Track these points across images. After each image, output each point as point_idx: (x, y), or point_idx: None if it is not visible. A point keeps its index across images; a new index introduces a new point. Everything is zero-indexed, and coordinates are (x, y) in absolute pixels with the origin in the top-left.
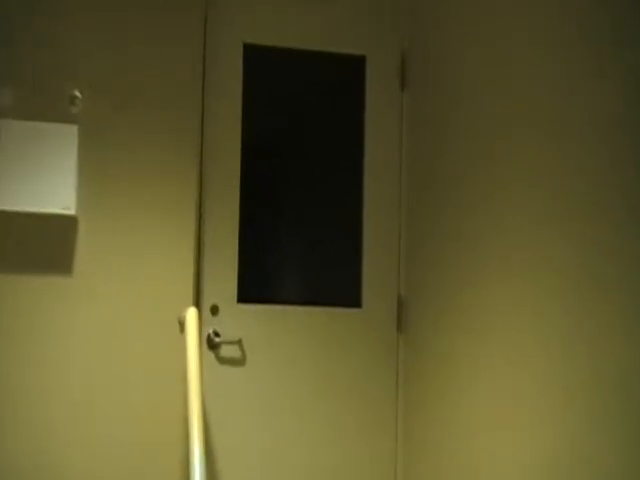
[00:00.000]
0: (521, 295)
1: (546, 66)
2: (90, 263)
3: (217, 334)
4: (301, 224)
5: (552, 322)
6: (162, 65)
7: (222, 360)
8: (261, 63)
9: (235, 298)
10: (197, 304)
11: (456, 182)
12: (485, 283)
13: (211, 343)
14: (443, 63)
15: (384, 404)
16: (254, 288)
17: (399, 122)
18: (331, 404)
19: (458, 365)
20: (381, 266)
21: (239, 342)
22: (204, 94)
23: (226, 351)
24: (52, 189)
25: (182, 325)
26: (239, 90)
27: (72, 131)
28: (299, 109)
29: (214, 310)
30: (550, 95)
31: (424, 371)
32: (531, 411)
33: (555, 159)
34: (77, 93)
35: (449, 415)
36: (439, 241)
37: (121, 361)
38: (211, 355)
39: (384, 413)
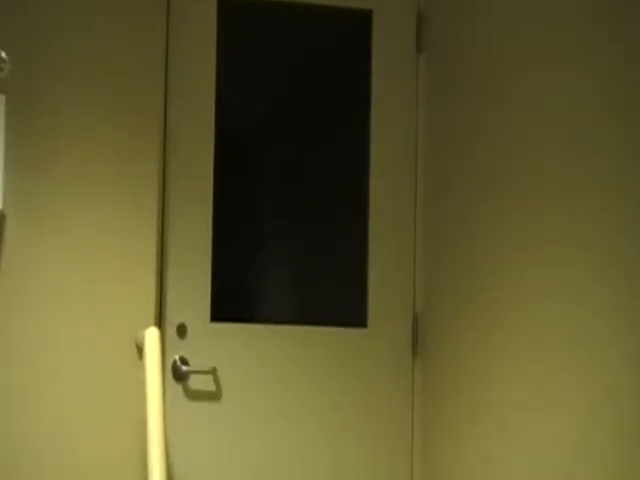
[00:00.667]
0: (551, 313)
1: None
2: (19, 271)
3: (185, 361)
4: (292, 226)
5: (578, 341)
6: (113, 22)
7: (191, 394)
8: (240, 21)
9: (208, 316)
10: (160, 323)
11: (485, 173)
12: (515, 300)
13: (177, 373)
14: (470, 24)
15: (398, 446)
16: (232, 304)
17: (413, 95)
18: (332, 448)
19: (485, 396)
20: (392, 278)
21: (213, 371)
22: (168, 62)
23: (197, 383)
24: None
25: (140, 350)
26: (212, 56)
27: None
28: (290, 81)
29: (181, 331)
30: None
31: (446, 404)
32: (555, 433)
33: (579, 174)
34: (2, 54)
35: (475, 458)
36: (466, 246)
37: (60, 399)
38: (178, 388)
39: (398, 456)
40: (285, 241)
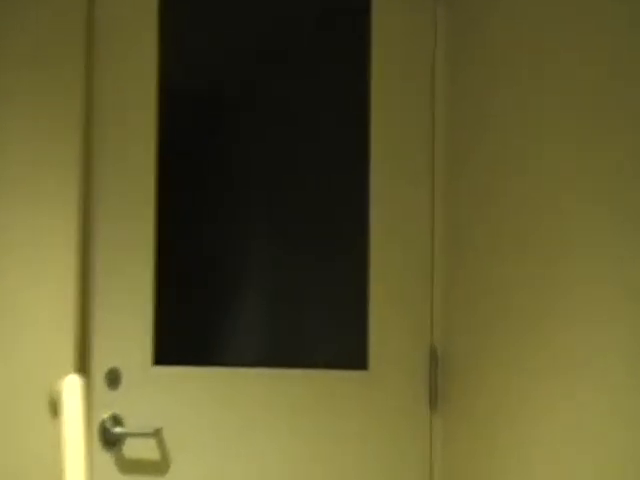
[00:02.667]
0: (585, 347)
1: None
2: None
3: (118, 420)
4: (266, 236)
5: (613, 382)
6: None
7: (127, 465)
8: None
9: (149, 358)
10: (83, 369)
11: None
12: (553, 330)
13: (108, 436)
14: None
15: None
16: (183, 342)
17: (429, 56)
18: None
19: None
20: (400, 304)
21: (157, 433)
22: (92, 15)
23: (134, 449)
24: None
25: (55, 406)
26: (153, 6)
27: None
28: (259, 39)
29: (113, 379)
30: None
31: (475, 470)
32: None
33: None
34: None
35: None
36: (497, 267)
37: None
38: (107, 457)
39: None
40: (256, 258)
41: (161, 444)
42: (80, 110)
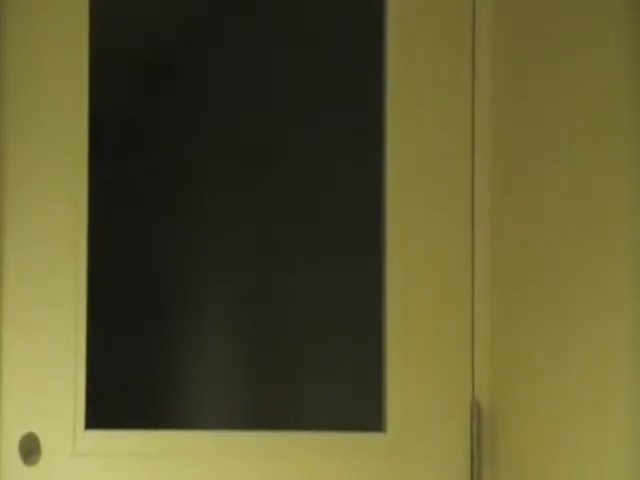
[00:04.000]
0: None
1: None
2: None
3: None
4: (246, 254)
5: None
6: None
7: None
8: None
9: (81, 420)
10: None
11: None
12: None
13: None
14: None
15: None
16: (128, 398)
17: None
18: None
19: None
20: (427, 346)
21: None
22: None
23: None
24: None
25: None
26: None
27: None
28: None
29: (30, 450)
30: None
31: None
32: None
33: None
34: None
35: None
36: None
37: None
38: None
39: None
40: (233, 281)
41: None
42: None
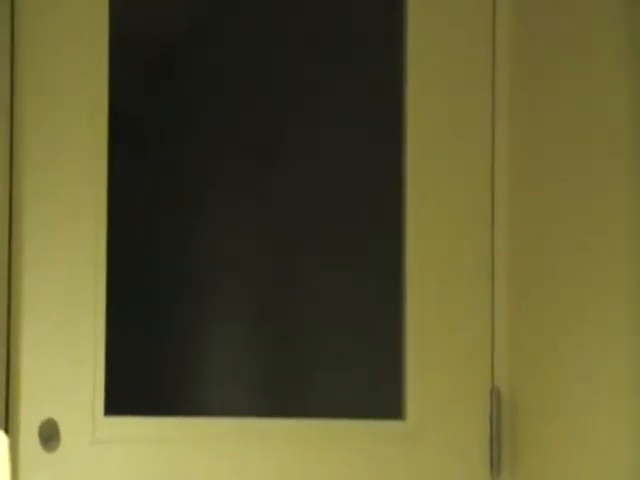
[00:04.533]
0: None
1: None
2: None
3: None
4: (262, 245)
5: None
6: None
7: None
8: None
9: (101, 406)
10: (5, 425)
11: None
12: None
13: None
14: None
15: None
16: (148, 383)
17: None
18: None
19: None
20: (445, 335)
21: None
22: None
23: None
24: None
25: None
26: None
27: None
28: None
29: (49, 436)
30: None
31: None
32: None
33: None
34: None
35: None
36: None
37: None
38: None
39: None
40: (252, 273)
41: None
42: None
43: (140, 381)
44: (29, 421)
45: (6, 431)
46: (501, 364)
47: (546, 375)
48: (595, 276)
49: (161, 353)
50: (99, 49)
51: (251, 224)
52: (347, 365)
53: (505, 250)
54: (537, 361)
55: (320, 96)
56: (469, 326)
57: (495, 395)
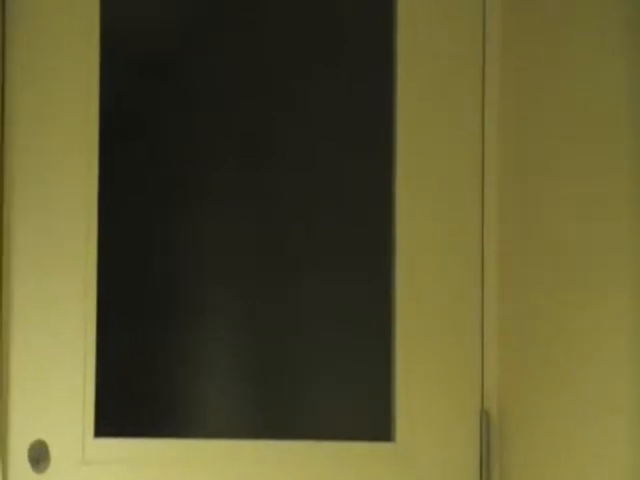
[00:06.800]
0: None
1: None
2: None
3: None
4: (249, 258)
5: None
6: None
7: None
8: None
9: (90, 429)
10: None
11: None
12: None
13: None
14: None
15: None
16: (136, 406)
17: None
18: None
19: None
20: (437, 353)
21: None
22: None
23: None
24: None
25: None
26: None
27: None
28: None
29: (39, 457)
30: None
31: None
32: None
33: None
34: None
35: None
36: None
37: None
38: None
39: None
40: (239, 289)
41: None
42: None
43: (130, 403)
44: (19, 442)
45: None
46: (491, 385)
47: (536, 397)
48: (588, 297)
49: (150, 375)
50: (91, 48)
51: (243, 237)
52: (336, 386)
53: (495, 268)
54: (527, 383)
55: (309, 97)
56: (459, 349)
57: (485, 418)
